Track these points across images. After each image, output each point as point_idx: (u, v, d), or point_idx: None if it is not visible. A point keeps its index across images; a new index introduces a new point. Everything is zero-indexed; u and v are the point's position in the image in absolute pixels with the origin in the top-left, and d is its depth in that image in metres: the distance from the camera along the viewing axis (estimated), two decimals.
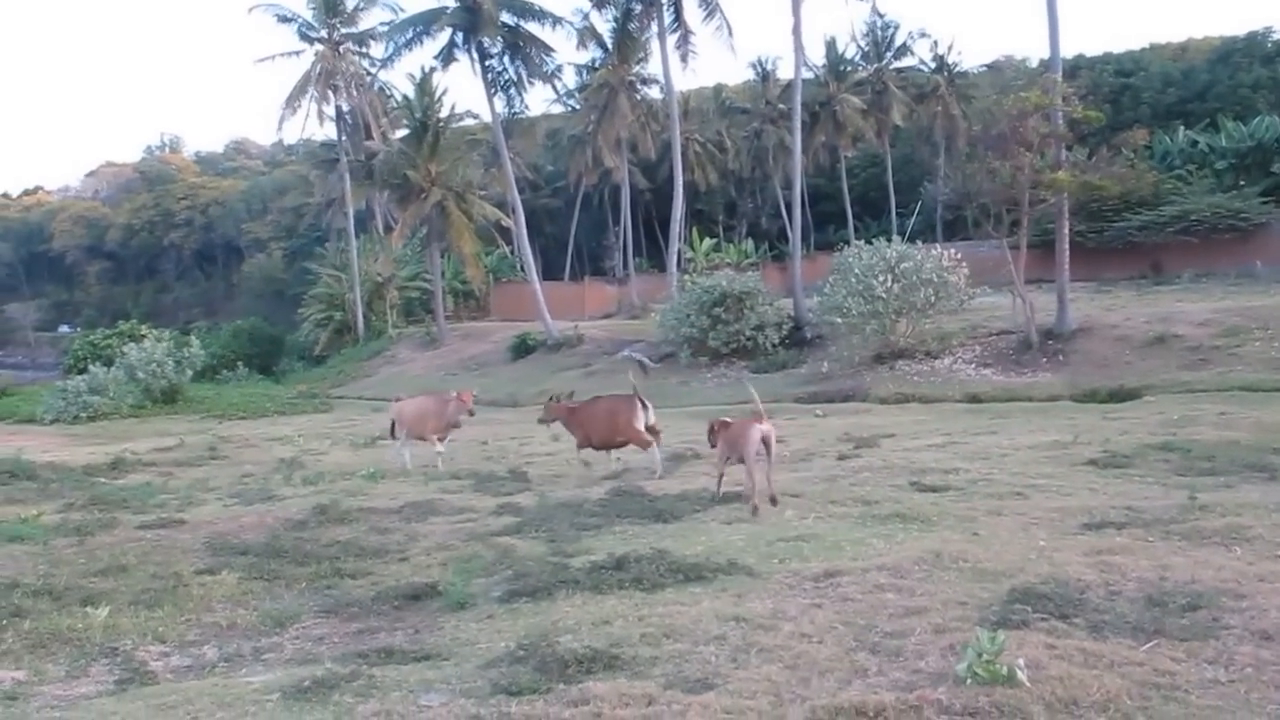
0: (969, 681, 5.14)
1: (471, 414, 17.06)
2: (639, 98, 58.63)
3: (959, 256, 31.29)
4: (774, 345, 34.31)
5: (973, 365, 30.10)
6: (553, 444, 18.70)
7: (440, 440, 17.02)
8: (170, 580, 9.06)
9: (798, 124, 39.37)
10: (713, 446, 12.45)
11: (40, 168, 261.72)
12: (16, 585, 8.85)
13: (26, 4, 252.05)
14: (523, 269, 49.82)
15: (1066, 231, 30.99)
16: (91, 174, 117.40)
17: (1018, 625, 6.17)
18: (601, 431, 15.22)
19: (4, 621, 7.89)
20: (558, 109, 60.81)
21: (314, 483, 15.21)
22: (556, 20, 44.48)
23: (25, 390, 40.30)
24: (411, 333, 50.22)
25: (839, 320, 31.39)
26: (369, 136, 55.47)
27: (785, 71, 61.53)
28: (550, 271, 58.58)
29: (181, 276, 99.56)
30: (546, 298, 43.26)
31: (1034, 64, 51.59)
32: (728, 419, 12.56)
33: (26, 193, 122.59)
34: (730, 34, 44.01)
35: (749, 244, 63.08)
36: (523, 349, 41.31)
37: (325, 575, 9.23)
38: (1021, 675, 5.12)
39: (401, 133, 55.31)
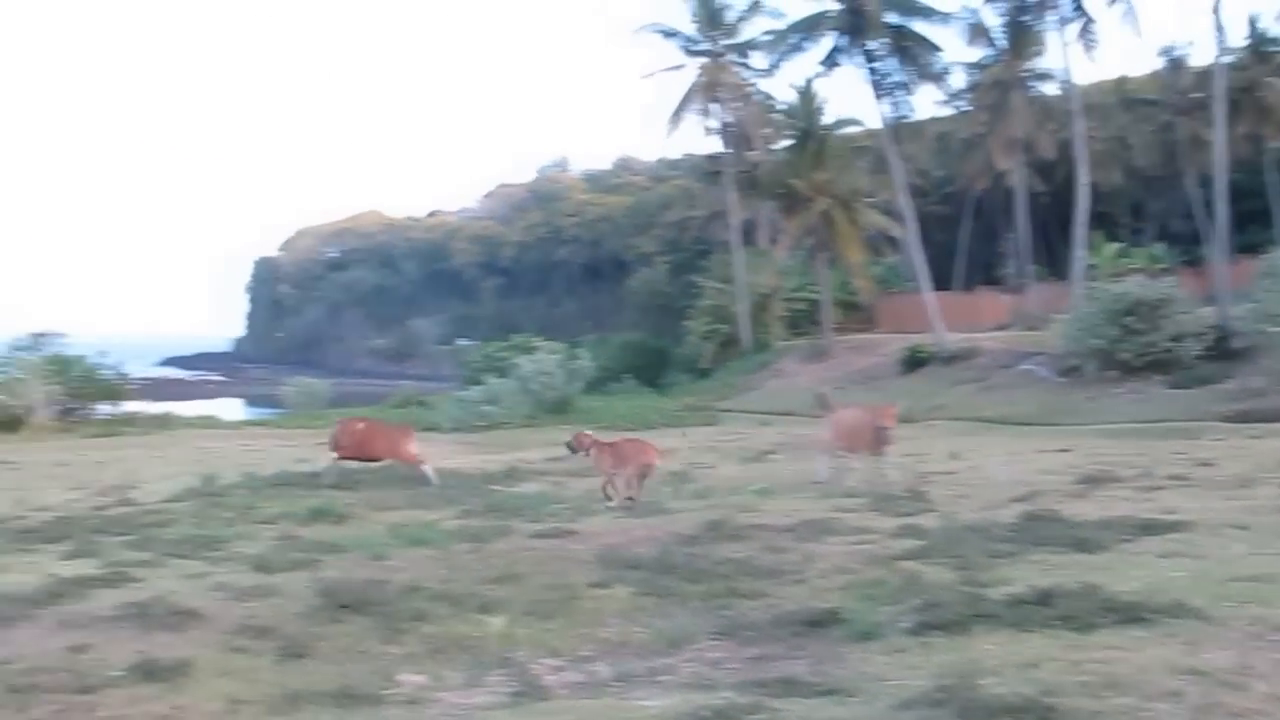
0: None
1: (890, 428, 16.33)
2: (1034, 95, 55.95)
3: None
4: (1194, 358, 31.36)
5: None
6: (952, 462, 17.64)
7: (876, 455, 16.37)
8: (563, 592, 8.99)
9: (1220, 113, 36.08)
10: (575, 452, 15.91)
11: (441, 191, 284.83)
12: (419, 588, 9.05)
13: (429, 47, 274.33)
14: (913, 278, 48.49)
15: None
16: (488, 195, 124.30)
17: None
18: (378, 451, 18.29)
19: (406, 625, 8.05)
20: (946, 111, 58.96)
21: (704, 497, 14.95)
22: (944, 17, 43.10)
23: (428, 400, 42.75)
24: (797, 345, 49.91)
25: (1274, 330, 28.30)
26: (752, 147, 55.74)
27: (1199, 57, 56.82)
28: (940, 281, 56.50)
29: (570, 291, 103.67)
30: (937, 308, 41.81)
31: None
32: (611, 440, 15.97)
33: (430, 214, 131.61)
34: (1136, 19, 41.04)
35: (1159, 248, 58.64)
36: (914, 361, 40.06)
37: (719, 594, 8.83)
38: None
39: (785, 142, 55.22)
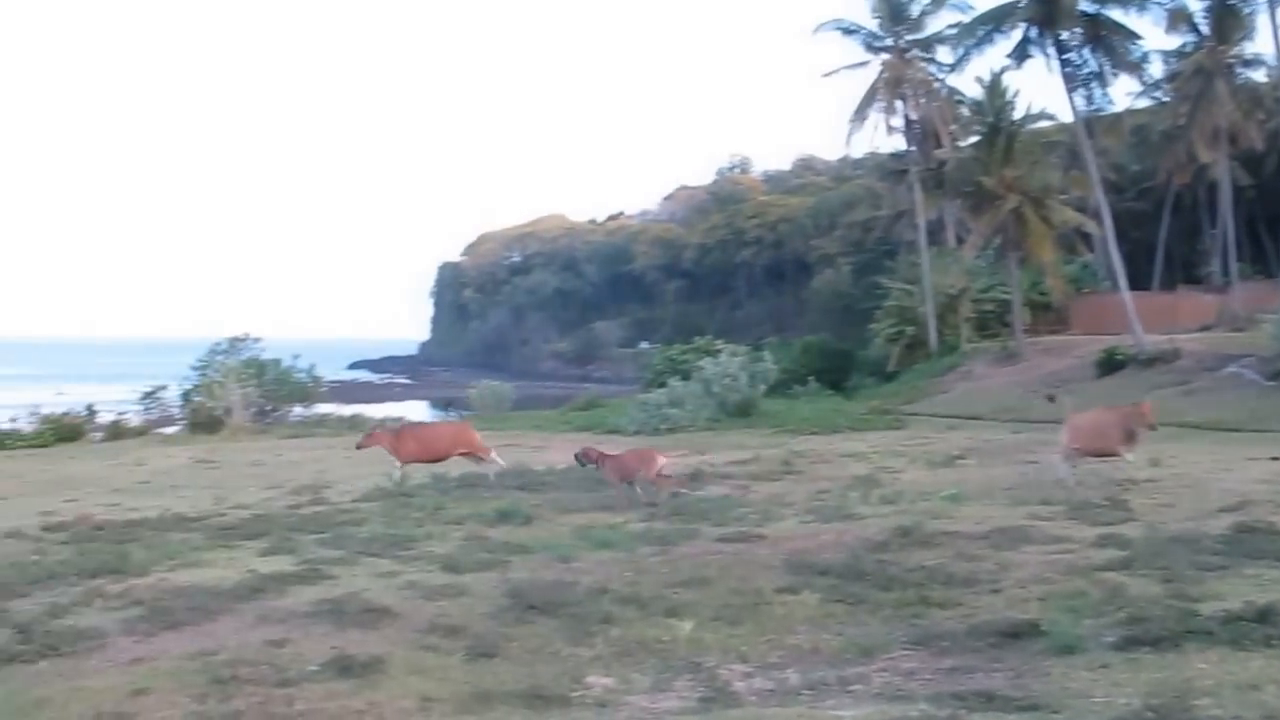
0: None
1: (1153, 428, 15.86)
2: (1240, 82, 53.05)
3: None
4: None
5: None
6: (1153, 469, 16.83)
7: (1129, 452, 15.92)
8: (751, 597, 8.93)
9: None
10: (584, 465, 16.48)
11: (622, 194, 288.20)
12: (606, 591, 9.10)
13: (611, 51, 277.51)
14: (1108, 278, 46.60)
15: None
16: (668, 198, 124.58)
17: None
18: (442, 449, 18.63)
19: (594, 628, 8.10)
20: (1144, 102, 56.43)
21: (892, 502, 14.60)
22: (1142, 3, 41.14)
23: (611, 403, 42.86)
24: (986, 347, 48.54)
25: None
26: (938, 145, 54.46)
27: None
28: (1137, 280, 54.26)
29: (752, 293, 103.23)
30: (1135, 308, 40.07)
31: None
32: (614, 451, 16.85)
33: (610, 218, 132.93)
34: None
35: None
36: (1110, 364, 38.44)
37: (911, 603, 8.60)
38: None
39: (972, 138, 53.74)
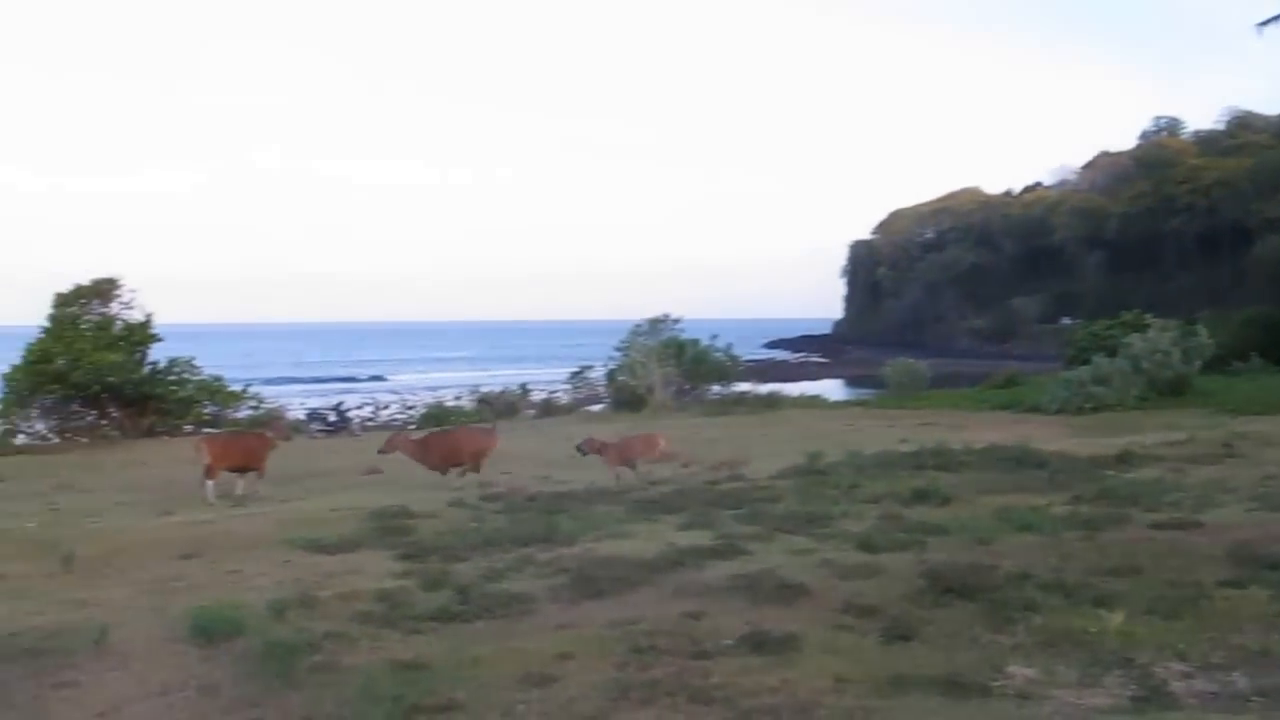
0: None
1: None
2: None
3: None
4: None
5: None
6: None
7: None
8: (1189, 589, 8.26)
9: None
10: (583, 453, 17.86)
11: (1038, 164, 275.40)
12: (1028, 577, 8.77)
13: (1025, 14, 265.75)
14: None
15: None
16: (1087, 166, 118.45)
17: None
18: (462, 455, 18.09)
19: (1016, 614, 7.82)
20: None
21: None
22: None
23: (1030, 380, 41.43)
24: None
25: None
26: None
27: None
28: None
29: (1183, 264, 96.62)
30: None
31: None
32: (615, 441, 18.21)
33: (1027, 189, 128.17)
34: None
35: None
36: None
37: None
38: None
39: None
